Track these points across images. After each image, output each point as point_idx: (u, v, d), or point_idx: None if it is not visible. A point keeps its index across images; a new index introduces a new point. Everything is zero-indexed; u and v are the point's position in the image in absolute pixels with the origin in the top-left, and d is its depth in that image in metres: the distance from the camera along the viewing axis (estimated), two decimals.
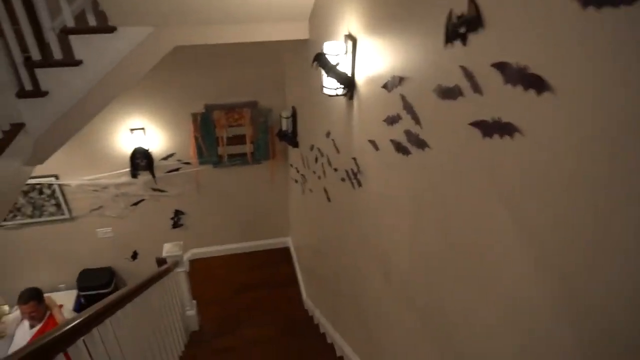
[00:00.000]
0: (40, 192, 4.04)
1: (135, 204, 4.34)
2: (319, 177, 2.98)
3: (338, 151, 2.40)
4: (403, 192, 1.58)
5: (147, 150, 3.97)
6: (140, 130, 3.92)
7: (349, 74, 1.97)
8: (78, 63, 2.41)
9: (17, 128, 2.37)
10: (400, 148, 1.53)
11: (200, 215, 4.60)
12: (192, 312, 3.64)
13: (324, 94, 2.04)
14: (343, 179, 2.35)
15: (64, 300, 4.50)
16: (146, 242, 4.61)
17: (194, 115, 4.01)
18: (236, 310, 4.05)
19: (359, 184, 2.08)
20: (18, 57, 2.27)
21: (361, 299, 2.35)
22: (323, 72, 1.99)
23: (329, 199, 2.80)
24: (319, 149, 2.87)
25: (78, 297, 4.55)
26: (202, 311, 3.81)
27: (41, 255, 4.44)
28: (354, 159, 2.09)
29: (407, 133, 1.45)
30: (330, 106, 2.43)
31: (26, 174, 2.58)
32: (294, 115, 3.65)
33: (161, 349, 2.66)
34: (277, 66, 3.95)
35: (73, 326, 1.49)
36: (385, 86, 1.59)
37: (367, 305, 2.22)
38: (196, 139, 4.07)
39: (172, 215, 4.49)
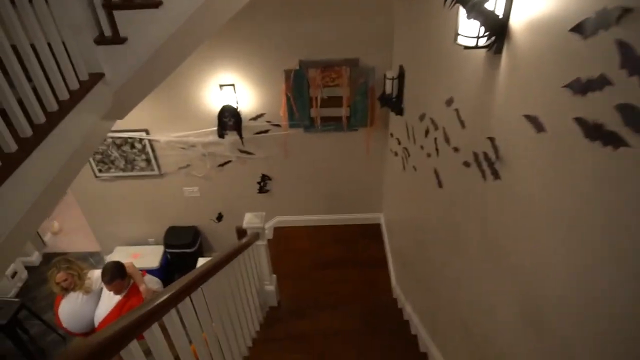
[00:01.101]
0: (132, 146, 4.00)
1: (222, 165, 4.14)
2: (429, 155, 2.41)
3: (463, 125, 1.81)
4: (586, 205, 0.99)
5: (236, 109, 3.68)
6: (230, 87, 3.61)
7: (501, 15, 1.36)
8: (158, 4, 2.07)
9: (96, 78, 2.13)
10: (597, 132, 0.93)
11: (287, 181, 4.28)
12: (271, 287, 3.38)
13: (458, 44, 1.46)
14: (467, 164, 1.77)
15: (152, 255, 4.56)
16: (232, 205, 4.45)
17: (287, 73, 3.59)
18: (317, 289, 3.73)
19: (496, 176, 1.49)
20: None
21: (476, 328, 1.81)
22: (461, 14, 1.40)
23: (440, 184, 2.23)
24: (432, 120, 2.29)
25: (165, 253, 4.58)
26: (281, 286, 3.53)
27: (133, 208, 4.49)
28: (491, 139, 1.50)
29: (624, 109, 0.85)
30: (458, 64, 1.83)
31: (104, 129, 2.37)
32: (400, 77, 3.06)
33: (241, 323, 2.47)
34: (385, 17, 3.33)
35: (170, 295, 1.53)
36: (578, 28, 0.97)
37: (487, 343, 1.68)
38: (288, 98, 3.67)
39: (258, 179, 4.23)
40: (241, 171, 4.18)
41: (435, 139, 2.23)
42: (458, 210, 1.98)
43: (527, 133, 1.23)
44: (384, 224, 4.44)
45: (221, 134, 3.83)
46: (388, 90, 3.16)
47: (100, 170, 4.15)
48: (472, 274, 1.83)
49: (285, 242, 4.45)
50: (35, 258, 5.09)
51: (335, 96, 3.70)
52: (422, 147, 2.56)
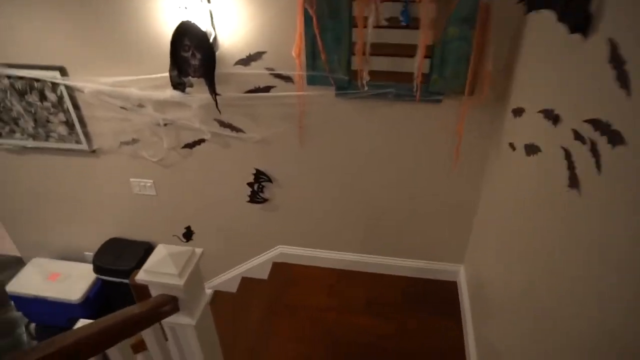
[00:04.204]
0: (42, 96, 2.33)
1: (190, 145, 2.38)
2: None
3: None
4: None
5: (205, 34, 1.89)
6: (203, 2, 1.85)
7: None
8: None
9: None
10: None
11: (299, 188, 2.43)
12: None
13: None
14: None
15: (78, 279, 2.87)
16: (207, 215, 2.67)
17: None
18: None
19: None
20: None
21: None
22: None
23: None
24: None
25: (98, 280, 2.87)
26: None
27: (55, 200, 2.83)
28: None
29: None
30: None
31: None
32: None
33: None
34: None
35: None
36: None
37: None
38: (308, 27, 1.83)
39: (249, 177, 2.42)
40: (221, 159, 2.39)
41: None
42: None
43: None
44: (464, 284, 2.45)
45: (179, 83, 2.05)
46: None
47: (1, 136, 2.53)
48: None
49: (287, 291, 2.60)
50: None
51: (403, 43, 1.82)
52: None
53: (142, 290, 1.30)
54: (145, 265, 1.27)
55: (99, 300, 2.88)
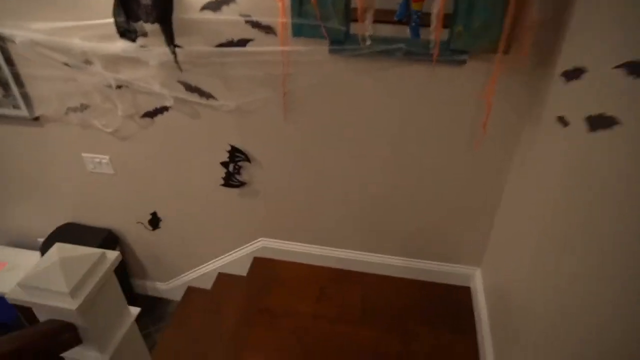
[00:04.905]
0: None
1: (151, 114, 1.94)
2: None
3: None
4: None
5: None
6: None
7: None
8: None
9: None
10: None
11: (284, 167, 1.99)
12: None
13: None
14: None
15: (28, 269, 2.45)
16: (175, 199, 2.25)
17: None
18: None
19: None
20: None
21: None
22: None
23: None
24: None
25: None
26: None
27: (0, 175, 2.41)
28: None
29: None
30: None
31: None
32: None
33: None
34: None
35: None
36: None
37: None
38: None
39: (223, 156, 1.99)
40: (189, 132, 1.95)
41: None
42: None
43: None
44: (481, 292, 2.03)
45: (127, 30, 1.60)
46: None
47: None
48: None
49: (268, 293, 2.18)
50: None
51: None
52: None
53: (31, 312, 0.89)
54: (25, 277, 0.85)
55: None
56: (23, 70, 1.91)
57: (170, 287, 2.69)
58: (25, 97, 1.98)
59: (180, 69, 1.69)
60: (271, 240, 2.29)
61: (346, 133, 1.80)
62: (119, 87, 1.85)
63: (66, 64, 1.82)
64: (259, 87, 1.74)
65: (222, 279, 2.49)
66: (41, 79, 1.92)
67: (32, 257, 2.51)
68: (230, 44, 1.64)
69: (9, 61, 1.88)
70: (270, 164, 1.98)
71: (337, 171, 1.93)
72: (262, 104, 1.78)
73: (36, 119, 2.05)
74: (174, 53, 1.61)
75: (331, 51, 1.58)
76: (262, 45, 1.61)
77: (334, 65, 1.62)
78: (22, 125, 2.10)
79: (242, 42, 1.63)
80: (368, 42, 1.52)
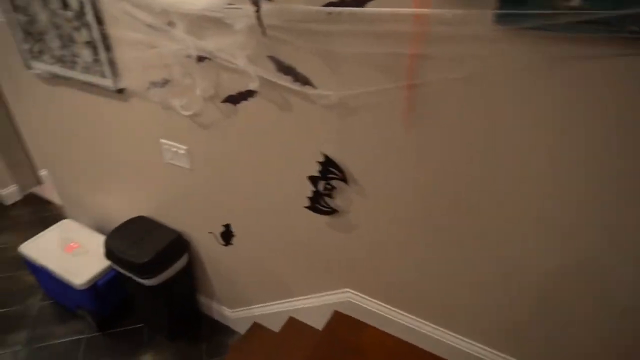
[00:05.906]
0: (64, 3, 1.68)
1: (234, 100, 1.48)
2: None
3: None
4: None
5: None
6: None
7: None
8: None
9: None
10: None
11: (395, 198, 1.34)
12: None
13: None
14: None
15: (97, 259, 2.23)
16: (250, 212, 1.78)
17: None
18: None
19: None
20: None
21: None
22: None
23: None
24: None
25: (111, 267, 2.18)
26: None
27: (87, 150, 2.24)
28: None
29: None
30: None
31: None
32: None
33: None
34: None
35: None
36: None
37: None
38: None
39: (314, 167, 1.43)
40: (274, 127, 1.45)
41: None
42: None
43: None
44: None
45: None
46: None
47: (32, 54, 1.99)
48: None
49: None
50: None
51: None
52: None
53: None
54: None
55: (111, 293, 2.21)
56: (111, 31, 1.63)
57: (236, 317, 2.24)
58: (112, 63, 1.71)
59: (264, 32, 1.19)
60: (360, 294, 1.65)
61: (507, 162, 1.09)
62: (200, 59, 1.44)
63: (150, 26, 1.48)
64: (374, 74, 1.15)
65: (293, 324, 1.95)
66: (126, 44, 1.62)
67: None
68: (342, 2, 1.09)
69: (99, 20, 1.62)
70: (375, 191, 1.37)
71: (476, 216, 1.22)
72: (375, 101, 1.19)
73: (120, 91, 1.78)
74: (257, 10, 1.12)
75: (499, 19, 0.91)
76: (388, 6, 1.02)
77: (502, 45, 0.95)
78: (108, 97, 1.86)
79: (361, 0, 1.06)
80: (575, 2, 0.82)
